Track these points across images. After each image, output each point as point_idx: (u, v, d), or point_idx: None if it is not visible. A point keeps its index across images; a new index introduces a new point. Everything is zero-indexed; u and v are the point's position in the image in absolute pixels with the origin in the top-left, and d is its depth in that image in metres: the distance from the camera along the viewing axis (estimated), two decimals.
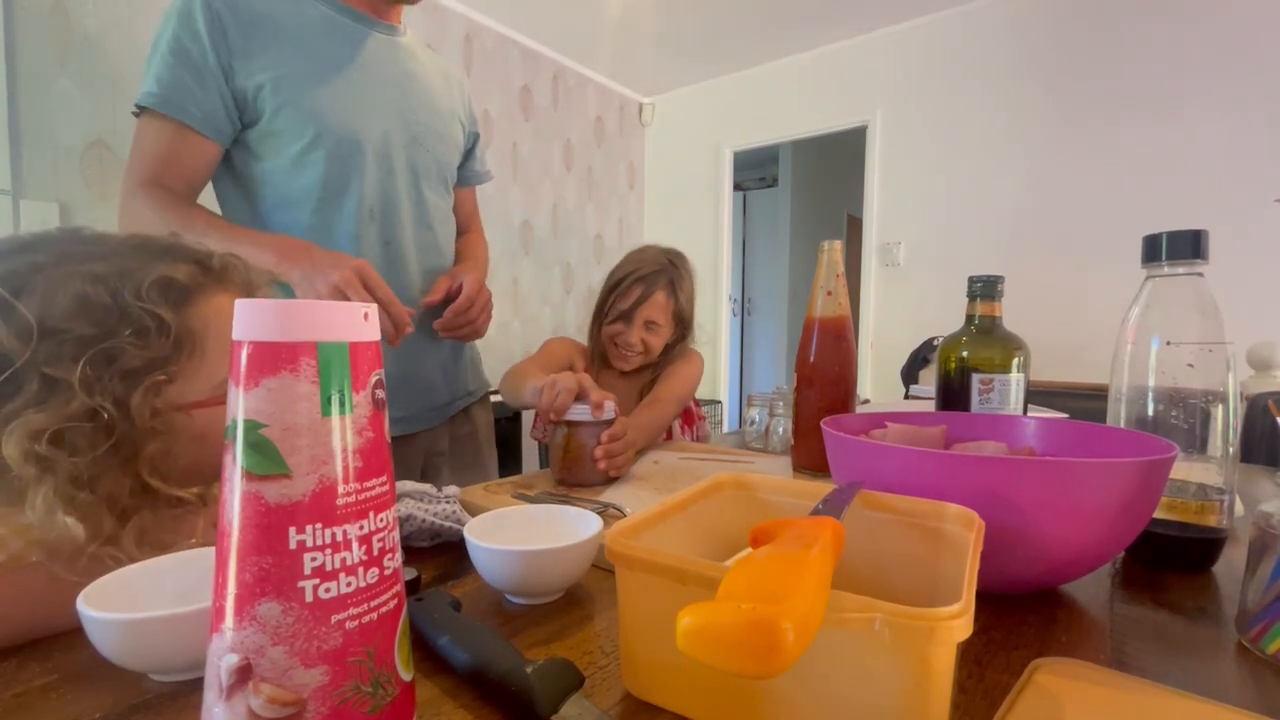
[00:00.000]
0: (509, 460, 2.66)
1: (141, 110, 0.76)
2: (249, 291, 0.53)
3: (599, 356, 1.19)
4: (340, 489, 0.24)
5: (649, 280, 1.14)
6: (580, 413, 0.72)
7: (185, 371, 0.46)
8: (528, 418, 2.64)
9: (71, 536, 0.38)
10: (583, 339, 1.25)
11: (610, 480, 0.73)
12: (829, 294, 0.78)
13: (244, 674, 0.22)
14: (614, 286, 1.16)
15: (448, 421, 0.99)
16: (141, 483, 0.43)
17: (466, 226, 1.08)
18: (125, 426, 0.42)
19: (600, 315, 1.17)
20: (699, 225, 3.63)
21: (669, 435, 1.22)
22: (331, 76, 0.82)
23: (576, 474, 0.72)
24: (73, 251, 0.45)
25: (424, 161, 0.91)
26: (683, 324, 1.19)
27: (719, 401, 3.64)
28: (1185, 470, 0.50)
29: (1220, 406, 0.49)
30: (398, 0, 0.85)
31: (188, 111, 0.76)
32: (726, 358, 3.89)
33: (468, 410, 1.03)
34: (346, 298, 0.70)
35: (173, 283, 0.46)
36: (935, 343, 2.18)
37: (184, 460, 0.46)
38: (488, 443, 1.07)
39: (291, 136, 0.80)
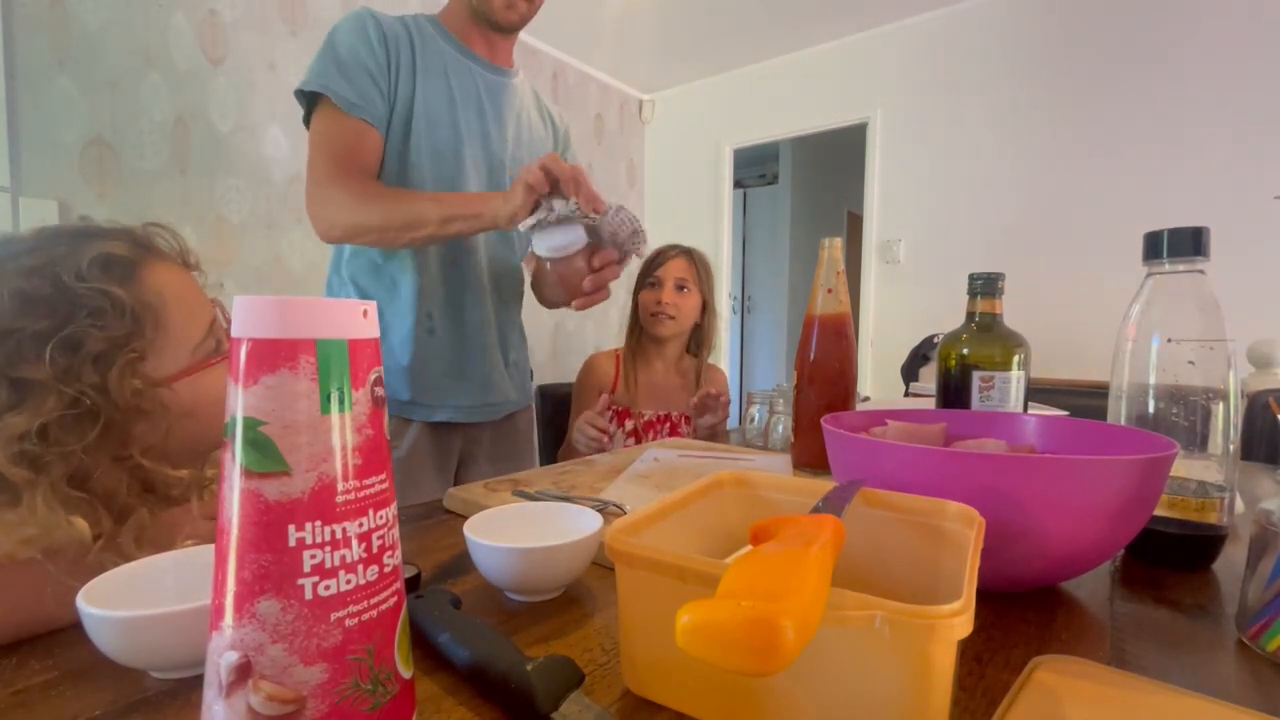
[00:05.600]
0: None
1: (315, 104, 0.87)
2: (184, 260, 0.53)
3: (637, 339, 1.39)
4: (340, 486, 0.24)
5: (666, 251, 1.39)
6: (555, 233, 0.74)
7: (154, 346, 0.45)
8: None
9: (78, 535, 0.38)
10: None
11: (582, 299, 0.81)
12: (829, 291, 0.78)
13: (244, 671, 0.22)
14: (645, 265, 1.38)
15: (493, 421, 1.08)
16: (138, 477, 0.42)
17: None
18: (109, 410, 0.41)
19: (636, 292, 1.39)
20: (699, 223, 3.62)
21: (674, 432, 1.26)
22: (453, 109, 0.94)
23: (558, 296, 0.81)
24: None
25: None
26: (707, 296, 1.38)
27: None
28: (1186, 468, 0.50)
29: (1221, 404, 0.49)
30: (498, 29, 0.97)
31: (370, 111, 0.87)
32: (727, 355, 3.89)
33: (513, 415, 1.12)
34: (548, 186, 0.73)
35: (112, 258, 0.45)
36: (935, 340, 2.18)
37: (179, 439, 0.45)
38: (527, 442, 1.18)
39: (412, 153, 0.92)
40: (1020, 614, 0.42)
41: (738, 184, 3.98)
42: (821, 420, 0.53)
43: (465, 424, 1.03)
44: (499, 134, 1.01)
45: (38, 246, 0.45)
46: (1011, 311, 0.72)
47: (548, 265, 0.79)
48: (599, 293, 0.81)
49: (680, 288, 1.34)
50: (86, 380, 0.41)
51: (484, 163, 0.99)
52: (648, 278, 1.37)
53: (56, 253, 0.44)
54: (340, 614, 0.23)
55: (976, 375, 0.70)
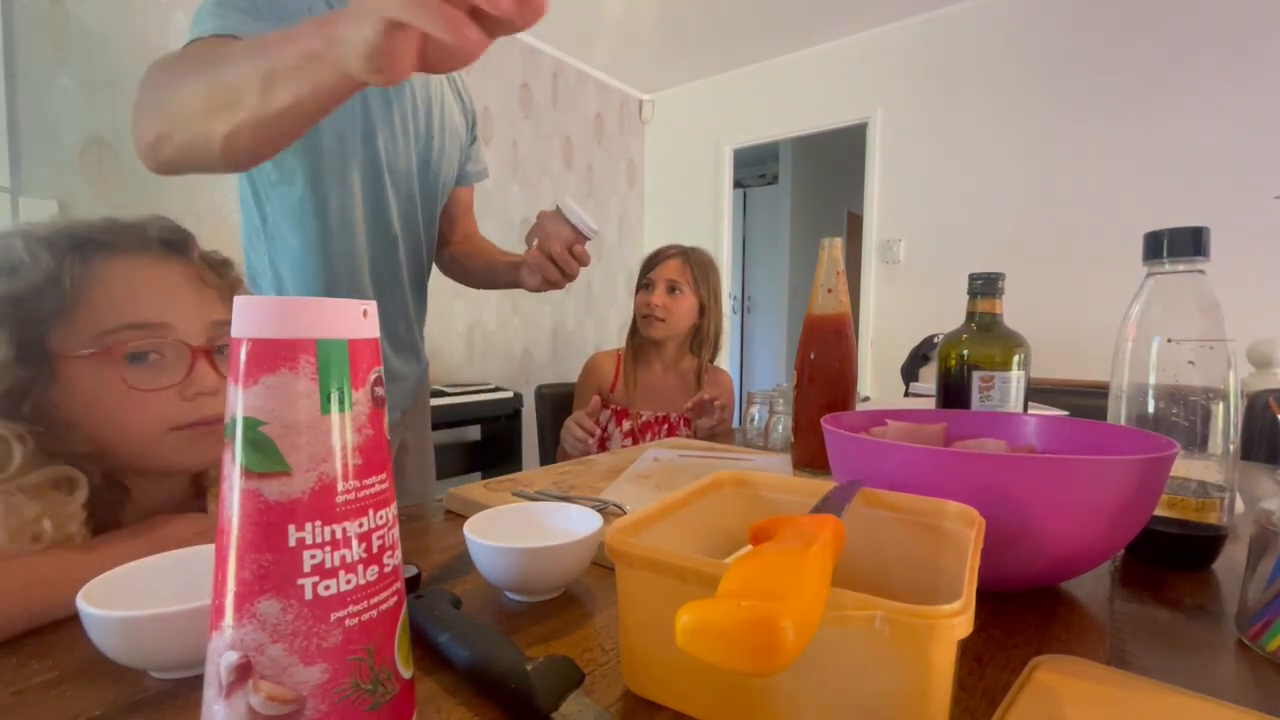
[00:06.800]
0: (509, 458, 2.66)
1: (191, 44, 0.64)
2: (198, 273, 0.53)
3: (637, 341, 1.39)
4: (340, 486, 0.24)
5: (663, 251, 1.38)
6: (573, 214, 0.82)
7: (67, 317, 0.46)
8: (528, 416, 2.64)
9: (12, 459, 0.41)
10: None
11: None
12: (829, 291, 0.78)
13: (243, 672, 0.22)
14: (643, 265, 1.39)
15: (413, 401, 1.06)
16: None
17: (468, 227, 1.12)
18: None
19: (636, 294, 1.38)
20: (699, 223, 3.62)
21: (672, 433, 1.25)
22: (389, 114, 0.83)
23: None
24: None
25: (434, 184, 0.95)
26: (704, 299, 1.35)
27: None
28: (1185, 468, 0.50)
29: (1221, 404, 0.49)
30: None
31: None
32: (727, 355, 3.89)
33: (420, 382, 1.08)
34: None
35: (80, 233, 0.48)
36: (935, 340, 2.18)
37: (81, 426, 0.47)
38: (427, 408, 1.13)
39: (316, 154, 0.79)
40: (1020, 614, 0.42)
41: (738, 184, 3.98)
42: (821, 420, 0.53)
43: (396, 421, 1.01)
44: (426, 129, 0.91)
45: (57, 224, 0.49)
46: (1011, 311, 0.72)
47: (549, 219, 0.85)
48: (554, 269, 0.85)
49: (672, 289, 1.33)
50: None
51: (418, 173, 0.90)
52: (643, 279, 1.37)
53: (59, 225, 0.48)
54: (340, 614, 0.23)
55: (976, 375, 0.70)
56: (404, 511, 0.64)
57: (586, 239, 0.85)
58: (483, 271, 1.06)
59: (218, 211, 1.92)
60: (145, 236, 0.51)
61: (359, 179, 0.83)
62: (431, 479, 1.11)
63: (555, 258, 0.84)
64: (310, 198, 0.80)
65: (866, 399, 1.44)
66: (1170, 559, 0.51)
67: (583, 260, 0.85)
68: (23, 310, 0.45)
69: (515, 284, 0.96)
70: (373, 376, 0.25)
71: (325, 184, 0.81)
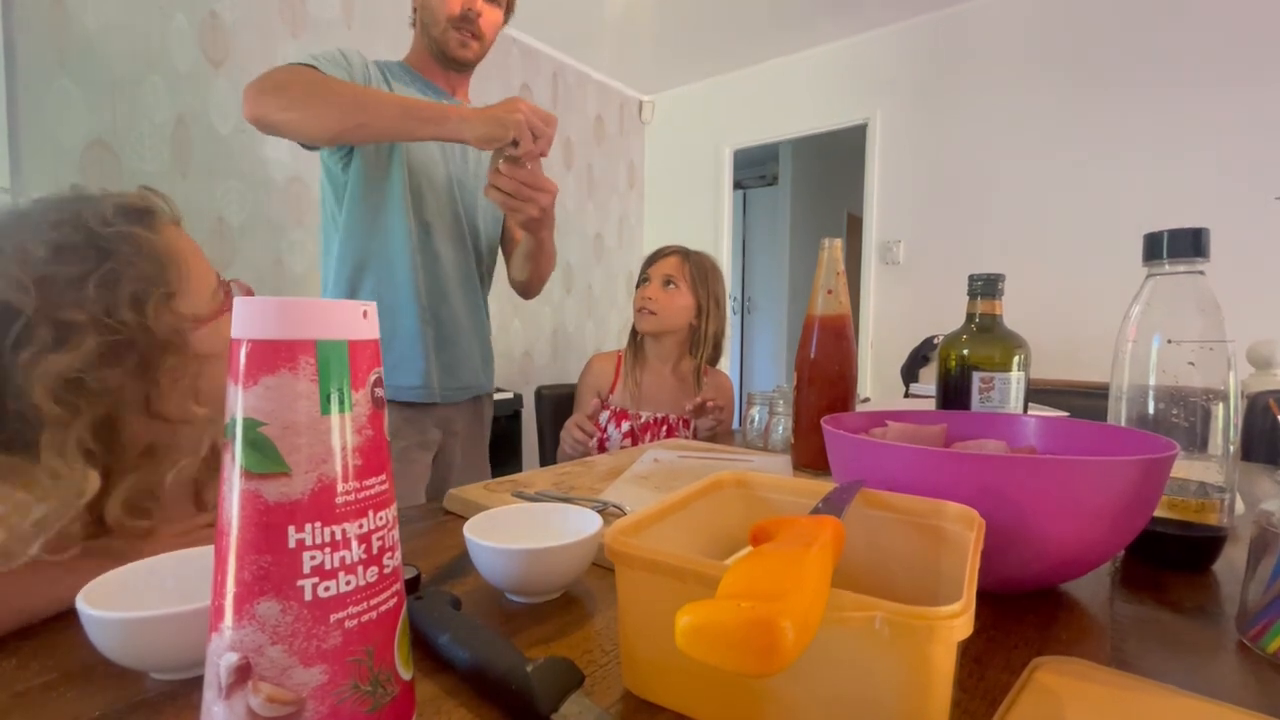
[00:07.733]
0: (509, 459, 2.66)
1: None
2: (177, 224, 0.53)
3: (637, 341, 1.40)
4: (339, 487, 0.24)
5: (664, 249, 1.40)
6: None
7: (180, 289, 0.47)
8: (528, 417, 2.64)
9: (88, 487, 0.39)
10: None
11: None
12: (829, 292, 0.78)
13: (243, 673, 0.22)
14: (644, 264, 1.41)
15: (465, 403, 1.20)
16: (151, 434, 0.43)
17: None
18: (146, 343, 0.43)
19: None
20: (699, 224, 3.62)
21: (671, 434, 1.25)
22: (415, 145, 1.06)
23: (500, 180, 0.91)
24: (17, 211, 0.46)
25: (472, 202, 1.17)
26: (702, 300, 1.35)
27: None
28: (1186, 469, 0.50)
29: (1221, 405, 0.49)
30: (454, 67, 1.11)
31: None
32: (727, 356, 3.89)
33: (479, 400, 1.25)
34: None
35: (130, 205, 0.48)
36: (935, 341, 2.18)
37: (207, 382, 0.47)
38: (488, 427, 1.31)
39: (384, 180, 1.04)
40: (1020, 615, 0.42)
41: (738, 185, 3.98)
42: (821, 421, 0.53)
43: (437, 405, 1.13)
44: (461, 154, 1.16)
45: (61, 204, 0.47)
46: (1011, 312, 0.72)
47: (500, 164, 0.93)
48: (490, 188, 0.93)
49: (667, 283, 1.33)
50: (123, 316, 0.42)
51: (455, 188, 1.13)
52: (642, 275, 1.38)
53: (79, 206, 0.46)
54: (340, 615, 0.23)
55: (976, 376, 0.70)
56: (404, 513, 0.64)
57: (510, 144, 0.89)
58: (521, 257, 1.20)
59: (216, 211, 1.92)
60: (147, 200, 0.52)
61: (399, 177, 1.04)
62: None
63: (490, 178, 0.93)
64: (361, 184, 1.03)
65: (866, 400, 1.44)
66: (1170, 560, 0.51)
67: (524, 180, 0.93)
68: (154, 289, 0.44)
69: (533, 238, 1.10)
70: (373, 377, 0.25)
71: (370, 179, 1.04)
